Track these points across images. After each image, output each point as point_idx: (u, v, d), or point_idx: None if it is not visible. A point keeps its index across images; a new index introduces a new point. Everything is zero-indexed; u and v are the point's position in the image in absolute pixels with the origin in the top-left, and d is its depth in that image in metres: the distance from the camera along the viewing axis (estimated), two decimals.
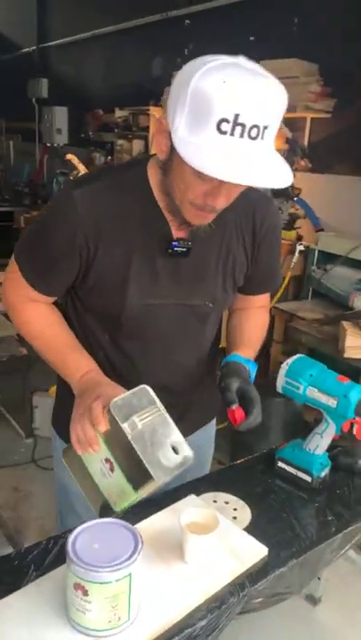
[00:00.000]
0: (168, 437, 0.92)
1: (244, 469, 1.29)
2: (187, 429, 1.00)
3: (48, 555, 0.99)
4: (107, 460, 0.93)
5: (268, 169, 0.87)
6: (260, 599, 0.98)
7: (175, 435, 0.94)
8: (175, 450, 0.91)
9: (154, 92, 4.15)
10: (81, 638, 0.82)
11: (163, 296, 1.11)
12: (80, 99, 5.51)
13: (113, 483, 0.94)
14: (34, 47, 6.40)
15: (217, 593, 0.92)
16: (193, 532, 0.95)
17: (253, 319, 1.33)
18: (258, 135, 0.84)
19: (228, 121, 0.82)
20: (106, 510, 0.97)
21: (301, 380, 1.17)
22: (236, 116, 0.82)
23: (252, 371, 1.20)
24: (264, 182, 0.89)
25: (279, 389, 1.22)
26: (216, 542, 0.96)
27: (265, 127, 0.85)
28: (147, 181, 1.05)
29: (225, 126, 0.83)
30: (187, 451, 0.93)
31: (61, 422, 1.30)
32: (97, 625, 0.81)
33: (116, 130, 4.51)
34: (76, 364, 1.09)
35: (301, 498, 1.20)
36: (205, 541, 0.94)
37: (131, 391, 0.93)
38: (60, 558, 0.96)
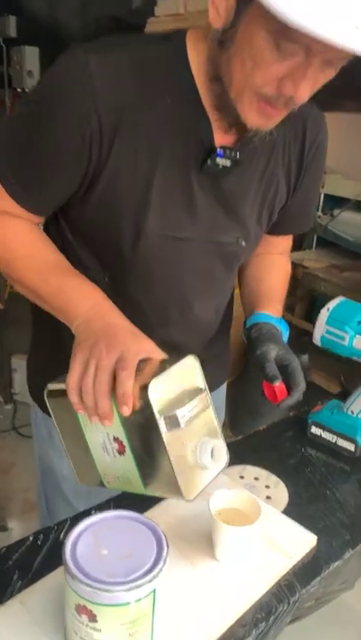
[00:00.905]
0: (210, 442, 0.69)
1: (271, 437, 1.08)
2: None
3: (37, 555, 0.76)
4: (116, 440, 0.69)
5: None
6: (310, 602, 0.77)
7: (218, 436, 0.71)
8: (212, 454, 0.69)
9: (135, 26, 3.75)
10: None
11: (190, 227, 0.84)
12: (53, 37, 5.03)
13: (117, 465, 0.71)
14: None
15: (261, 600, 0.71)
16: (226, 521, 0.73)
17: (277, 268, 1.08)
18: None
19: None
20: (91, 479, 0.75)
21: (348, 327, 0.95)
22: None
23: (285, 333, 0.97)
24: None
25: (317, 341, 0.99)
26: (255, 533, 0.74)
27: None
28: (186, 61, 0.76)
29: None
30: (225, 457, 0.71)
31: (41, 392, 1.06)
32: None
33: None
34: (78, 291, 0.78)
35: (343, 470, 0.99)
36: (244, 534, 0.72)
37: (175, 365, 0.67)
38: (53, 559, 0.74)
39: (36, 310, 0.98)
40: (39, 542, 0.78)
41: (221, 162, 0.79)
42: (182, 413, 0.64)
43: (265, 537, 0.78)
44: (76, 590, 0.57)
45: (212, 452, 0.68)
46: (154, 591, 0.58)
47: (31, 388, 1.05)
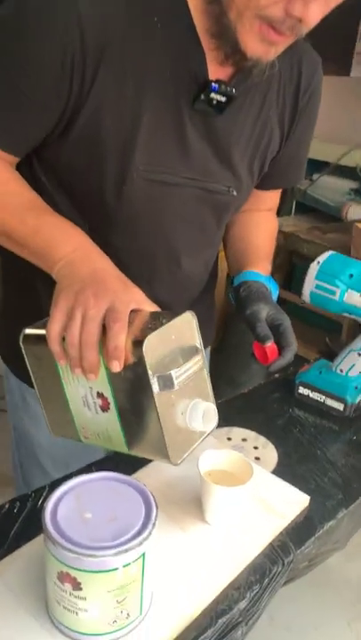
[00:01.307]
0: (201, 405, 0.64)
1: (257, 399, 1.04)
2: None
3: (13, 524, 0.70)
4: (100, 395, 0.63)
5: None
6: (304, 563, 0.74)
7: (210, 399, 0.67)
8: (202, 417, 0.64)
9: None
10: None
11: (180, 170, 0.77)
12: None
13: (98, 422, 0.65)
14: None
15: (254, 562, 0.68)
16: (216, 482, 0.68)
17: (264, 225, 1.03)
18: None
19: None
20: (65, 431, 0.70)
21: (338, 282, 0.90)
22: None
23: (274, 292, 0.93)
24: None
25: (306, 297, 0.95)
26: (246, 494, 0.70)
27: None
28: None
29: None
30: (215, 422, 0.66)
31: (15, 356, 0.99)
32: (96, 628, 0.55)
33: None
34: (59, 231, 0.69)
35: (332, 430, 0.96)
36: (236, 495, 0.68)
37: (172, 321, 0.61)
38: (31, 528, 0.69)
39: (5, 262, 0.90)
40: (15, 511, 0.73)
41: (216, 97, 0.72)
42: (177, 374, 0.59)
43: (256, 498, 0.75)
44: (58, 557, 0.52)
45: (202, 415, 0.64)
46: (143, 555, 0.53)
47: (1, 349, 0.99)
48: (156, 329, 0.59)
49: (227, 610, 0.62)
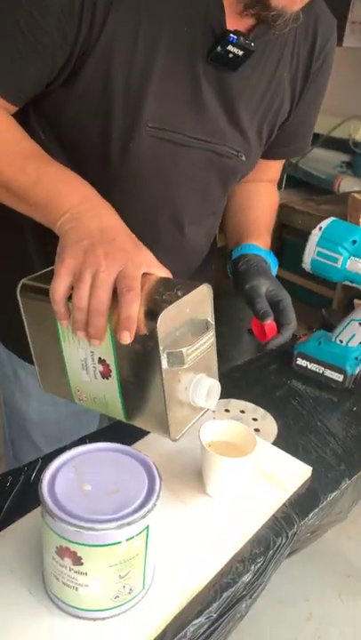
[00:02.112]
0: (207, 381, 0.61)
1: (254, 371, 1.01)
2: None
3: (5, 499, 0.67)
4: (102, 362, 0.59)
5: None
6: (307, 535, 0.72)
7: (214, 376, 0.64)
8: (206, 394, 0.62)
9: None
10: (74, 624, 0.53)
11: (189, 129, 0.73)
12: None
13: (96, 387, 0.62)
14: None
15: (258, 534, 0.65)
16: (218, 453, 0.66)
17: (265, 196, 0.99)
18: None
19: None
20: (57, 389, 0.67)
21: (341, 248, 0.87)
22: None
23: (274, 267, 0.89)
24: None
25: (307, 265, 0.92)
26: (249, 466, 0.68)
27: None
28: None
29: None
30: (216, 399, 0.63)
31: (5, 325, 0.94)
32: (97, 603, 0.52)
33: None
34: (63, 181, 0.63)
35: (331, 401, 0.94)
36: (239, 466, 0.66)
37: (188, 295, 0.57)
38: (24, 502, 0.66)
39: None
40: (7, 485, 0.70)
41: (233, 50, 0.67)
42: (188, 351, 0.56)
43: (258, 469, 0.72)
44: (57, 531, 0.49)
45: (206, 392, 0.61)
46: (147, 528, 0.51)
47: None
48: (171, 302, 0.55)
49: (231, 583, 0.60)
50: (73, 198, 0.62)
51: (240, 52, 0.68)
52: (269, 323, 0.81)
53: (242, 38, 0.68)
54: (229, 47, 0.67)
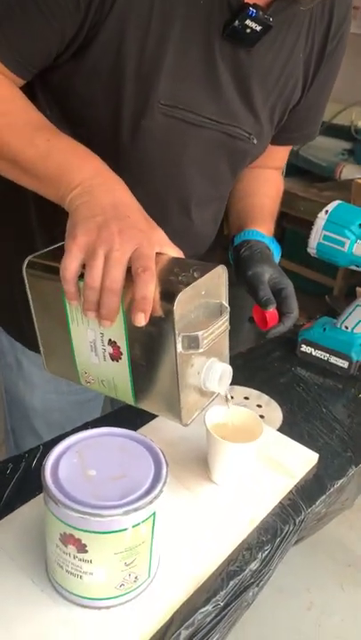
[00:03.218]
0: (220, 366, 0.60)
1: (257, 358, 0.99)
2: None
3: (6, 487, 0.65)
4: (113, 344, 0.57)
5: None
6: (313, 522, 0.71)
7: (226, 360, 0.63)
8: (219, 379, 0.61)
9: None
10: (79, 613, 0.51)
11: (203, 108, 0.70)
12: None
13: (105, 370, 0.60)
14: None
15: (265, 522, 0.64)
16: (224, 438, 0.64)
17: (271, 183, 0.96)
18: None
19: None
20: (62, 370, 0.65)
21: (348, 232, 0.85)
22: None
23: (277, 255, 0.87)
24: None
25: (313, 250, 0.90)
26: (255, 452, 0.67)
27: None
28: None
29: None
30: (227, 382, 0.62)
31: (7, 312, 0.92)
32: (102, 592, 0.51)
33: None
34: (74, 154, 0.61)
35: (336, 388, 0.93)
36: (246, 452, 0.64)
37: (205, 276, 0.55)
38: (25, 490, 0.64)
39: None
40: (8, 472, 0.68)
41: (251, 24, 0.64)
42: (204, 335, 0.54)
43: (264, 456, 0.71)
44: (61, 518, 0.47)
45: (219, 377, 0.59)
46: (153, 515, 0.49)
47: None
48: (188, 284, 0.53)
49: (238, 571, 0.58)
50: (85, 172, 0.59)
51: (258, 28, 0.66)
52: (271, 311, 0.79)
53: (261, 12, 0.65)
54: (247, 22, 0.65)
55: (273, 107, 0.79)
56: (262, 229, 0.87)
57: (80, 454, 0.52)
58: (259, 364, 0.97)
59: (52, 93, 0.69)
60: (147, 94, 0.66)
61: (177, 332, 0.52)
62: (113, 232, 0.53)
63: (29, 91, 0.68)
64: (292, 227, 2.19)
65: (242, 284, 0.82)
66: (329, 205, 0.88)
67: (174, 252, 0.58)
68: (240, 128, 0.76)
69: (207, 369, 0.59)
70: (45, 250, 0.60)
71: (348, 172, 2.01)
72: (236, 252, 0.85)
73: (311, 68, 0.80)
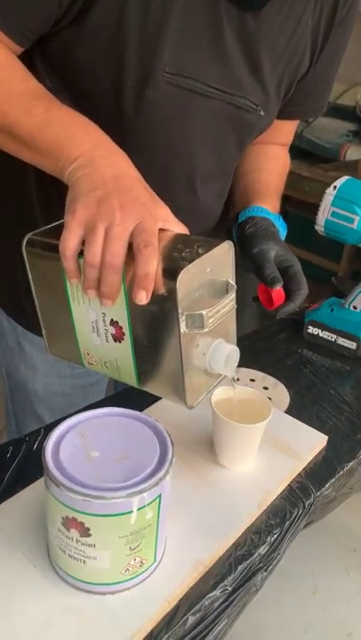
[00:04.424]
0: (226, 347, 0.57)
1: (263, 339, 0.97)
2: None
3: (6, 471, 0.63)
4: (114, 324, 0.55)
5: None
6: (323, 505, 0.69)
7: (233, 341, 0.60)
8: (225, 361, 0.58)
9: None
10: (83, 598, 0.49)
11: (209, 77, 0.67)
12: None
13: (108, 351, 0.58)
14: None
15: (274, 505, 0.62)
16: (231, 420, 0.62)
17: (277, 159, 0.93)
18: None
19: None
20: (64, 352, 0.63)
21: (357, 208, 0.83)
22: None
23: (283, 232, 0.84)
24: None
25: (321, 227, 0.87)
26: (261, 434, 0.64)
27: None
28: None
29: None
30: (234, 364, 0.59)
31: (7, 294, 0.90)
32: (106, 577, 0.49)
33: None
34: (74, 124, 0.58)
35: (344, 370, 0.91)
36: (254, 433, 0.62)
37: (209, 252, 0.52)
38: (26, 474, 0.62)
39: None
40: (8, 456, 0.66)
41: None
42: (209, 314, 0.51)
43: (271, 438, 0.69)
44: (63, 501, 0.45)
45: (225, 359, 0.57)
46: (159, 497, 0.47)
47: None
48: (192, 260, 0.50)
49: (246, 555, 0.56)
50: (85, 143, 0.56)
51: None
52: (277, 289, 0.76)
53: None
54: None
55: (281, 77, 0.75)
56: (268, 206, 0.84)
57: (83, 435, 0.50)
58: (264, 345, 0.95)
59: (51, 63, 0.66)
60: (150, 62, 0.63)
61: (180, 311, 0.50)
62: (114, 206, 0.51)
63: (29, 60, 0.65)
64: (295, 210, 2.16)
65: (246, 261, 0.79)
66: (337, 181, 0.85)
67: (178, 227, 0.55)
68: (247, 99, 0.73)
69: (213, 350, 0.57)
70: (46, 227, 0.57)
71: (353, 153, 1.97)
72: (241, 229, 0.82)
73: (320, 37, 0.77)
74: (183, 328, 0.51)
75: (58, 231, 0.53)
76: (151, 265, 0.49)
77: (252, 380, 0.84)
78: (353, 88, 2.11)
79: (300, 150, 2.31)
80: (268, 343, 0.96)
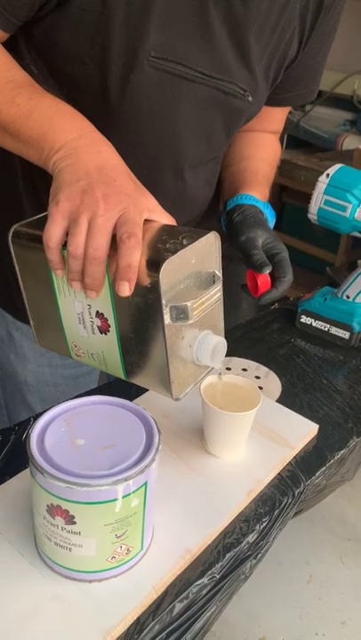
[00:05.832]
0: (213, 339, 0.56)
1: (256, 329, 0.97)
2: None
3: None
4: (100, 316, 0.55)
5: None
6: (313, 494, 0.69)
7: (221, 333, 0.59)
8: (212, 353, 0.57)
9: None
10: (69, 585, 0.49)
11: (195, 61, 0.66)
12: None
13: (94, 343, 0.57)
14: None
15: (263, 493, 0.62)
16: (220, 408, 0.62)
17: (267, 147, 0.92)
18: None
19: None
20: (52, 344, 0.62)
21: (350, 196, 0.82)
22: None
23: (271, 220, 0.83)
24: None
25: (313, 215, 0.86)
26: (252, 421, 0.64)
27: None
28: None
29: None
30: (221, 358, 0.58)
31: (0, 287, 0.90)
32: (93, 564, 0.49)
33: None
34: (58, 114, 0.57)
35: (337, 359, 0.90)
36: (243, 422, 0.62)
37: (194, 243, 0.52)
38: (14, 463, 0.62)
39: None
40: None
41: None
42: (193, 305, 0.51)
43: (262, 427, 0.69)
44: (47, 488, 0.45)
45: (212, 350, 0.56)
46: (145, 485, 0.47)
47: None
48: (176, 251, 0.49)
49: (235, 543, 0.56)
50: (69, 132, 0.55)
51: None
52: (263, 276, 0.75)
53: None
54: None
55: (269, 61, 0.74)
56: (256, 194, 0.83)
57: (68, 423, 0.49)
58: (257, 335, 0.95)
59: (36, 49, 0.65)
60: (135, 46, 0.62)
61: (164, 303, 0.49)
62: (97, 197, 0.50)
63: (13, 46, 0.64)
64: (291, 201, 2.15)
65: (234, 249, 0.79)
66: (330, 169, 0.84)
67: (165, 218, 0.55)
68: (234, 84, 0.72)
69: (199, 342, 0.56)
70: (32, 218, 0.57)
71: (351, 143, 1.95)
72: (229, 217, 0.82)
73: (308, 22, 0.75)
74: (167, 320, 0.50)
75: (44, 222, 0.52)
76: (134, 256, 0.48)
77: (245, 370, 0.84)
78: (350, 77, 2.09)
79: (297, 140, 2.29)
80: (261, 333, 0.96)
